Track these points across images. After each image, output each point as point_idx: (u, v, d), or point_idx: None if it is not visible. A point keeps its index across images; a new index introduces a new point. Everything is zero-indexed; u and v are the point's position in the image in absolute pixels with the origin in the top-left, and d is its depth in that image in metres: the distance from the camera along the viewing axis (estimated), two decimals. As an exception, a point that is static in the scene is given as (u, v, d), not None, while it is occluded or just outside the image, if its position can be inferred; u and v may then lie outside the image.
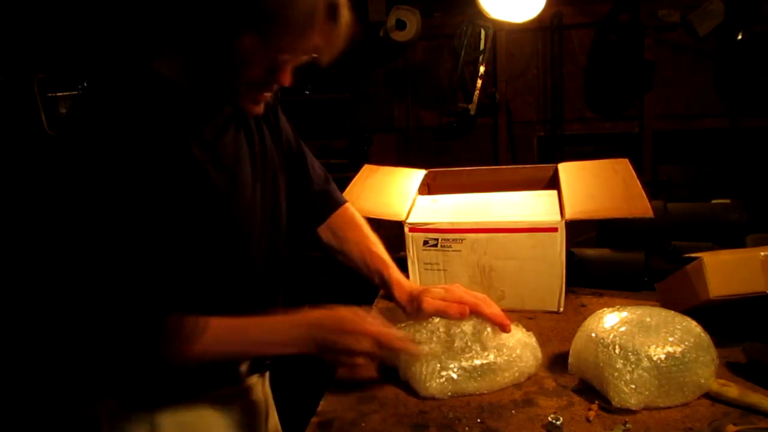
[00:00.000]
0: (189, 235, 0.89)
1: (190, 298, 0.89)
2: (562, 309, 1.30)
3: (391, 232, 1.39)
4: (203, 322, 0.88)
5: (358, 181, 1.55)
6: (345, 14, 0.88)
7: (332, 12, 0.86)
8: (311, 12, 0.83)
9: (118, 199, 0.81)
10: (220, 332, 0.89)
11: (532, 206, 1.33)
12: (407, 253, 1.36)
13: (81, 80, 3.12)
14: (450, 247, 1.31)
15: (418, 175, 1.55)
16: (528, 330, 1.13)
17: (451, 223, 1.32)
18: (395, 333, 0.97)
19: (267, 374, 1.17)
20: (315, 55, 0.89)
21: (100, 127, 0.82)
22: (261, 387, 1.14)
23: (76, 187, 0.81)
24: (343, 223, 1.24)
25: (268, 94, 0.93)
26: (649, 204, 1.22)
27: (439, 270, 1.34)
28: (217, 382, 1.03)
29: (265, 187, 1.04)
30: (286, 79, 0.90)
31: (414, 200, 1.45)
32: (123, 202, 0.81)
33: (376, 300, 1.39)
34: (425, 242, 1.34)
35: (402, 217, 1.36)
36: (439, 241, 1.32)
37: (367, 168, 1.61)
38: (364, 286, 1.23)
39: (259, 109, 0.94)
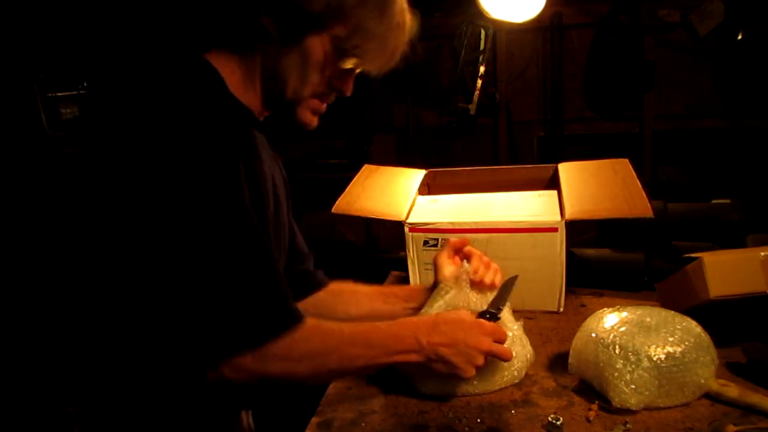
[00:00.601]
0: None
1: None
2: (562, 309, 1.29)
3: (392, 232, 1.39)
4: (328, 324, 0.84)
5: (358, 180, 1.55)
6: (410, 20, 0.88)
7: (402, 16, 0.85)
8: (390, 15, 0.82)
9: (227, 197, 0.75)
10: (329, 325, 0.84)
11: (532, 206, 1.33)
12: (407, 253, 1.36)
13: (81, 80, 3.11)
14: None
15: (418, 175, 1.55)
16: (528, 330, 1.12)
17: (452, 223, 1.32)
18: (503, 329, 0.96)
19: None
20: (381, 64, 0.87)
21: (185, 124, 0.75)
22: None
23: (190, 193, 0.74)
24: (346, 296, 1.18)
25: (325, 105, 0.90)
26: (649, 204, 1.22)
27: None
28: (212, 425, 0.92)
29: (282, 222, 1.00)
30: (349, 88, 0.89)
31: (414, 200, 1.45)
32: (230, 202, 0.75)
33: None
34: (425, 242, 1.34)
35: (402, 217, 1.36)
36: (439, 241, 1.32)
37: (367, 168, 1.62)
38: None
39: (316, 121, 0.91)
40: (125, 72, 0.86)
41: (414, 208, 1.42)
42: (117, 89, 0.82)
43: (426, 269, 1.35)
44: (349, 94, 0.90)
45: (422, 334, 0.89)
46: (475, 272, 1.09)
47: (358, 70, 0.89)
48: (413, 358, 0.89)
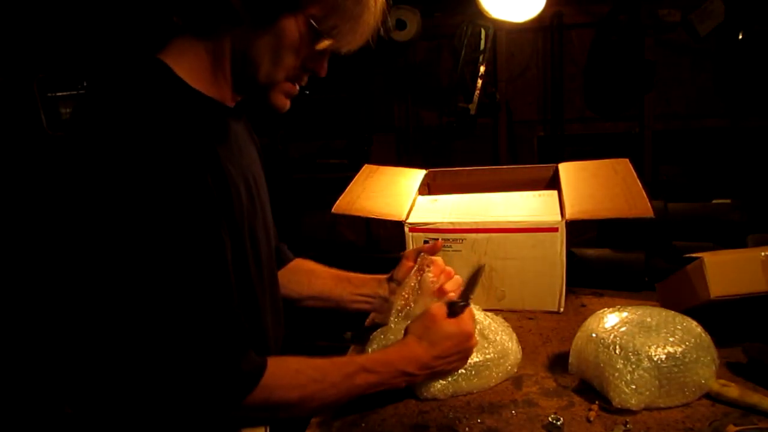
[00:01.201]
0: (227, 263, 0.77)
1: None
2: (562, 309, 1.29)
3: (392, 232, 1.39)
4: (291, 362, 0.81)
5: (358, 180, 1.55)
6: None
7: None
8: None
9: (179, 220, 0.69)
10: (311, 372, 0.82)
11: (532, 206, 1.33)
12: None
13: (81, 80, 3.11)
14: (450, 247, 1.31)
15: (418, 175, 1.55)
16: (528, 330, 1.12)
17: (452, 223, 1.32)
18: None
19: None
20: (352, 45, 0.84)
21: (132, 137, 0.69)
22: None
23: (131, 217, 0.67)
24: (301, 275, 1.18)
25: (298, 87, 0.87)
26: (649, 204, 1.21)
27: None
28: None
29: (267, 210, 0.97)
30: (324, 69, 0.86)
31: (414, 200, 1.45)
32: (181, 224, 0.69)
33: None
34: (425, 242, 1.33)
35: (402, 217, 1.36)
36: (439, 240, 1.32)
37: (367, 168, 1.62)
38: (351, 314, 1.23)
39: (288, 104, 0.88)
40: (105, 74, 0.79)
41: (414, 208, 1.42)
42: (77, 107, 0.78)
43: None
44: (324, 74, 0.86)
45: (410, 364, 0.92)
46: (435, 281, 1.09)
47: (333, 51, 0.86)
48: (403, 386, 0.93)
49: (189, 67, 0.80)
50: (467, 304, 1.00)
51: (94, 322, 0.73)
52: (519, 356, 1.06)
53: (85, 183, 0.69)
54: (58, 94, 3.05)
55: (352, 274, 1.21)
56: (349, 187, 1.53)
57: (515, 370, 1.04)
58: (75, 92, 3.10)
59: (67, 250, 0.72)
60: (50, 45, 3.09)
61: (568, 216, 1.24)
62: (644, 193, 1.25)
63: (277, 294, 1.00)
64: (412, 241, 1.35)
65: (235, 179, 0.80)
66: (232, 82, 0.83)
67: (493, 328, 1.05)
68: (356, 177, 1.57)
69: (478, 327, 1.03)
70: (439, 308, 0.97)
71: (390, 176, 1.57)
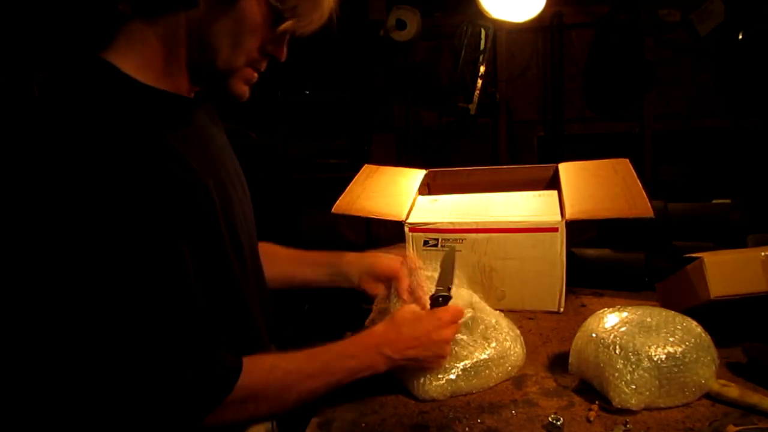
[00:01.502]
0: (196, 260, 0.75)
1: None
2: (562, 309, 1.29)
3: (392, 232, 1.39)
4: (265, 359, 0.81)
5: (358, 180, 1.55)
6: None
7: None
8: None
9: (134, 230, 0.66)
10: (286, 365, 0.82)
11: (532, 206, 1.33)
12: (407, 252, 1.35)
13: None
14: (452, 246, 1.31)
15: (418, 175, 1.55)
16: (528, 330, 1.12)
17: (452, 223, 1.32)
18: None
19: None
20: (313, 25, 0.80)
21: (82, 144, 0.66)
22: None
23: (77, 220, 0.64)
24: (263, 259, 1.10)
25: (257, 74, 0.83)
26: (649, 204, 1.21)
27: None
28: None
29: (244, 198, 0.95)
30: (283, 52, 0.82)
31: (414, 200, 1.45)
32: (137, 233, 0.67)
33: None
34: (425, 242, 1.33)
35: (402, 217, 1.36)
36: (440, 240, 1.32)
37: (367, 168, 1.62)
38: (350, 314, 1.23)
39: (248, 92, 0.83)
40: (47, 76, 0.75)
41: (414, 208, 1.42)
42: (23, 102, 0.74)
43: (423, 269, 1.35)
44: (284, 59, 0.82)
45: (386, 346, 0.92)
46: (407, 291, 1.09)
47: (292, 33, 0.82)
48: (382, 370, 0.93)
49: (139, 61, 0.75)
50: (449, 297, 1.01)
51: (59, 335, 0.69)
52: (521, 358, 1.06)
53: (32, 198, 0.66)
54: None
55: (313, 253, 1.20)
56: (349, 187, 1.53)
57: (515, 372, 1.04)
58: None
59: (23, 261, 0.68)
60: (50, 45, 3.09)
61: (568, 216, 1.24)
62: (644, 193, 1.25)
63: (263, 285, 0.98)
64: (413, 241, 1.35)
65: (199, 174, 0.77)
66: (188, 71, 0.79)
67: (497, 328, 1.05)
68: (356, 177, 1.57)
69: (481, 327, 1.03)
70: (418, 301, 0.99)
71: (390, 176, 1.57)
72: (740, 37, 2.72)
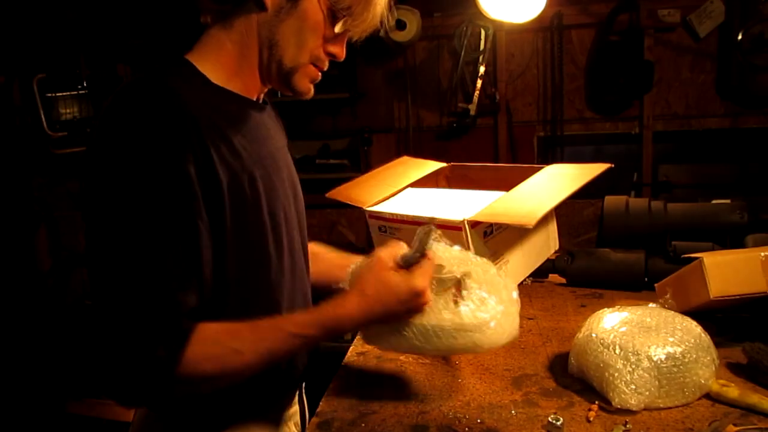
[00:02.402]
0: (229, 243, 0.81)
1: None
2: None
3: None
4: (209, 332, 0.78)
5: (378, 170, 1.60)
6: None
7: None
8: None
9: (161, 198, 0.74)
10: (230, 341, 0.79)
11: (459, 204, 1.34)
12: (372, 236, 1.41)
13: (81, 80, 3.11)
14: (394, 234, 1.35)
15: (430, 167, 1.58)
16: (528, 330, 1.12)
17: (392, 214, 1.35)
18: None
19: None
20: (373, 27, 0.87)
21: (154, 125, 0.75)
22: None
23: (114, 184, 0.75)
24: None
25: (320, 74, 0.90)
26: (537, 216, 1.12)
27: None
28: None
29: (293, 197, 0.98)
30: (342, 51, 0.88)
31: (400, 191, 1.48)
32: (163, 202, 0.74)
33: None
34: (380, 228, 1.39)
35: (366, 205, 1.40)
36: (387, 228, 1.37)
37: (404, 158, 1.67)
38: None
39: (312, 90, 0.91)
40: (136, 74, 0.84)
41: (393, 198, 1.44)
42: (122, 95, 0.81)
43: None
44: (342, 58, 0.89)
45: (345, 323, 0.85)
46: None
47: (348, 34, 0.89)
48: (349, 329, 0.88)
49: (214, 62, 0.84)
50: (423, 255, 0.89)
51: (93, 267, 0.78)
52: (502, 337, 0.90)
53: (92, 164, 0.77)
54: (58, 94, 3.04)
55: (353, 256, 1.19)
56: (362, 176, 1.57)
57: (485, 348, 0.89)
58: (75, 92, 3.09)
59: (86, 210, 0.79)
60: (50, 45, 3.08)
61: (473, 217, 1.23)
62: (553, 204, 1.20)
63: (303, 278, 1.00)
64: (371, 226, 1.40)
65: (247, 162, 0.83)
66: (260, 71, 0.87)
67: (483, 297, 0.90)
68: (385, 165, 1.61)
69: (472, 276, 0.92)
70: (387, 254, 0.89)
71: (411, 168, 1.61)
72: (740, 37, 2.72)
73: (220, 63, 0.85)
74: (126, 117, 0.75)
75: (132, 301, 0.74)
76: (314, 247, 1.20)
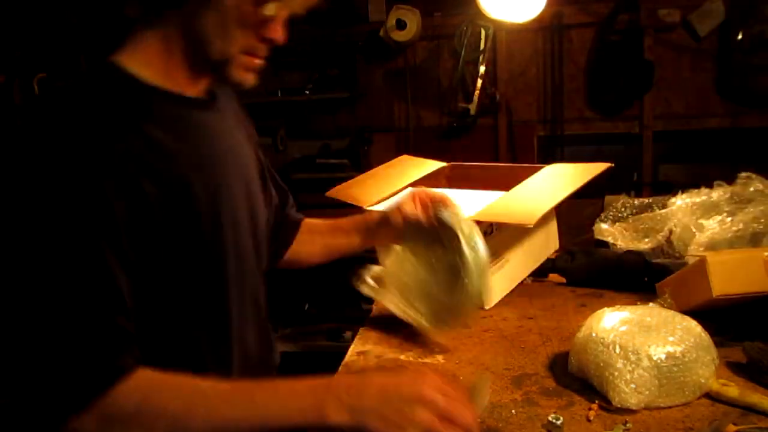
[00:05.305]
0: (162, 256, 0.77)
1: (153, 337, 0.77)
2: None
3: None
4: (172, 378, 0.73)
5: (378, 169, 1.61)
6: None
7: None
8: None
9: (75, 216, 0.70)
10: (200, 383, 0.72)
11: (459, 204, 1.34)
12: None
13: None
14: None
15: (429, 167, 1.59)
16: (528, 330, 1.11)
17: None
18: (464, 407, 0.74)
19: None
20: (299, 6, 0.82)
21: (59, 138, 0.72)
22: None
23: (26, 202, 0.71)
24: (304, 234, 1.19)
25: (260, 60, 0.84)
26: (537, 216, 1.19)
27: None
28: None
29: (245, 201, 0.94)
30: (279, 34, 0.83)
31: (400, 190, 1.48)
32: (80, 220, 0.70)
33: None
34: None
35: (366, 204, 1.41)
36: None
37: (404, 158, 1.69)
38: (350, 313, 1.22)
39: (253, 78, 0.86)
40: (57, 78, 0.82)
41: (394, 197, 1.44)
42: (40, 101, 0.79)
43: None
44: (282, 41, 0.83)
45: (341, 387, 0.73)
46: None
47: (285, 14, 0.83)
48: (332, 417, 0.70)
49: (143, 61, 0.81)
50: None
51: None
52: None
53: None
54: (58, 94, 3.05)
55: (345, 221, 1.21)
56: (362, 175, 1.58)
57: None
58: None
59: None
60: (50, 45, 3.09)
61: (473, 216, 1.22)
62: (554, 201, 1.25)
63: (256, 286, 0.96)
64: None
65: (180, 166, 0.79)
66: (189, 67, 0.83)
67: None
68: (385, 164, 1.62)
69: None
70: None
71: (411, 167, 1.62)
72: (740, 37, 2.72)
73: (149, 61, 0.81)
74: (36, 141, 0.73)
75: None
76: (308, 223, 1.21)
